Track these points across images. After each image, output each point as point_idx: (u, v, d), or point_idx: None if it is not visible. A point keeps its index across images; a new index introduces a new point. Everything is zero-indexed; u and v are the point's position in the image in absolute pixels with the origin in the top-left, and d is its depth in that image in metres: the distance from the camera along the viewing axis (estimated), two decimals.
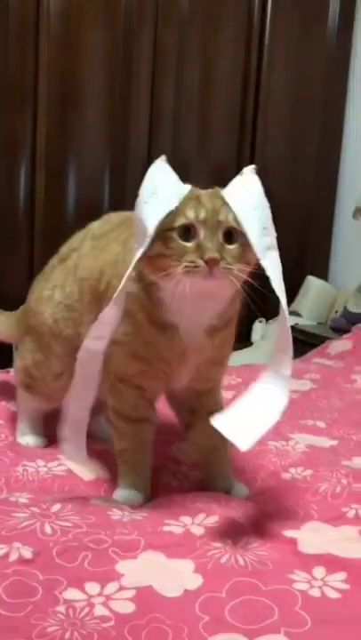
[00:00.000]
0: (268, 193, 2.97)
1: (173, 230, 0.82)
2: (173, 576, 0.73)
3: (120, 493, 0.95)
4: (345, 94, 2.80)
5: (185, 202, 0.83)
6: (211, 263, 0.79)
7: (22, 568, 0.72)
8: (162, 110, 2.55)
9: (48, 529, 0.81)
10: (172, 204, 0.82)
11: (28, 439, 1.17)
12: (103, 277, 0.97)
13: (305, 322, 2.71)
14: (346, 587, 0.73)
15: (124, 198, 2.49)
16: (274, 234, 0.85)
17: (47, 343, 1.09)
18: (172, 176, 0.85)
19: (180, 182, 0.85)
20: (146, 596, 0.69)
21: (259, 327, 2.76)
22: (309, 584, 0.73)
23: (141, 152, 2.54)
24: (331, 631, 0.65)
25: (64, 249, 1.14)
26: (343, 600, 0.70)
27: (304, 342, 2.36)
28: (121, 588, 0.70)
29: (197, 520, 0.85)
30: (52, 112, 2.36)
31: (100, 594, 0.69)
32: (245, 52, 2.60)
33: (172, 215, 0.82)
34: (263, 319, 2.79)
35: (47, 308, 1.09)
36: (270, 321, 2.76)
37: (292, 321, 2.65)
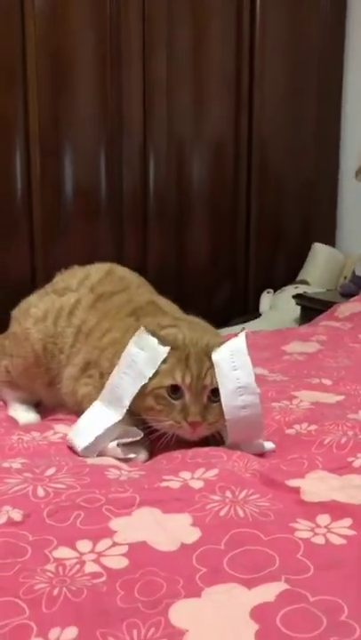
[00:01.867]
0: (268, 162, 2.90)
1: (163, 388, 0.91)
2: (169, 531, 0.69)
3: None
4: (342, 52, 2.72)
5: (174, 363, 0.92)
6: (194, 425, 0.90)
7: (11, 530, 0.69)
8: (155, 81, 2.50)
9: (41, 492, 0.78)
10: (146, 378, 0.91)
11: (20, 415, 1.15)
12: (101, 357, 1.04)
13: (313, 290, 2.66)
14: (352, 532, 0.69)
15: (121, 174, 2.45)
16: (256, 391, 0.91)
17: (30, 365, 1.13)
18: (149, 346, 0.92)
19: (159, 347, 0.92)
20: (140, 551, 0.65)
21: (267, 298, 2.72)
22: (313, 532, 0.69)
23: (136, 125, 2.49)
24: (335, 577, 0.61)
25: (59, 283, 1.19)
26: (349, 546, 0.67)
27: (313, 309, 2.31)
28: (114, 545, 0.67)
29: (197, 474, 0.82)
30: (42, 89, 2.31)
31: (91, 551, 0.66)
32: (237, 14, 2.53)
33: (161, 374, 0.92)
34: (271, 290, 2.74)
35: (34, 329, 1.13)
36: (278, 291, 2.72)
37: (300, 290, 2.60)
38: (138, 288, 1.18)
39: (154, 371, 0.91)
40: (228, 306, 2.74)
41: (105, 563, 0.64)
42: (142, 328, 0.92)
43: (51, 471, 0.84)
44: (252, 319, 2.60)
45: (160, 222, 2.60)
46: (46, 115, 2.32)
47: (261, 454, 0.90)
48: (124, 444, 0.93)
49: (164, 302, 1.14)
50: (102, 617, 0.56)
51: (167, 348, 0.92)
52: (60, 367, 1.11)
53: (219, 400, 0.91)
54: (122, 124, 2.46)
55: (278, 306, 2.63)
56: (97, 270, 1.19)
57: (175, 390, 0.91)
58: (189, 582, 0.61)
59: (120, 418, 0.92)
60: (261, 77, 2.64)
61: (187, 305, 1.16)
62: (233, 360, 0.92)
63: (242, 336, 0.94)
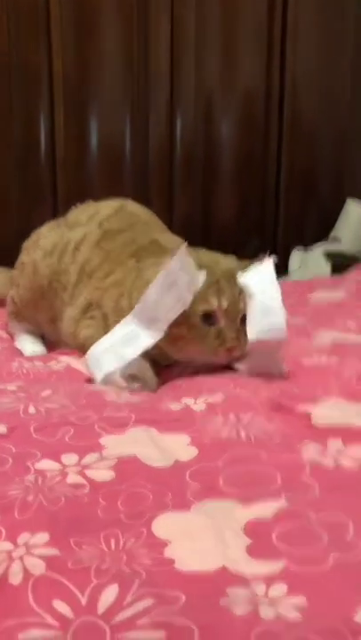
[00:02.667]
0: (301, 114, 2.75)
1: (196, 315, 0.85)
2: (164, 448, 0.63)
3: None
4: None
5: (206, 288, 0.85)
6: (231, 350, 0.85)
7: None
8: (182, 30, 2.38)
9: (32, 409, 0.73)
10: (187, 304, 0.84)
11: (26, 346, 1.10)
12: (104, 298, 0.98)
13: (345, 247, 2.55)
14: None
15: (147, 132, 2.37)
16: (283, 313, 0.85)
17: (36, 298, 1.10)
18: (190, 267, 0.85)
19: (197, 271, 0.86)
20: (128, 465, 0.60)
21: (297, 255, 2.62)
22: (322, 455, 0.62)
23: (163, 77, 2.39)
24: (343, 498, 0.55)
25: (71, 217, 1.15)
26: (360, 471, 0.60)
27: (345, 267, 2.21)
28: (101, 459, 0.61)
29: (200, 399, 0.76)
30: (66, 38, 2.23)
31: (76, 464, 0.60)
32: None
33: (195, 300, 0.84)
34: (301, 247, 2.65)
35: (42, 263, 1.09)
36: (308, 249, 2.62)
37: (332, 247, 2.50)
38: (145, 225, 1.12)
39: (193, 296, 0.84)
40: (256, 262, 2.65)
41: (89, 475, 0.58)
42: (184, 246, 0.85)
43: (46, 392, 0.79)
44: (280, 277, 2.51)
45: (187, 176, 2.52)
46: (70, 65, 2.24)
47: (271, 380, 0.83)
48: (130, 375, 0.87)
49: (171, 240, 1.07)
50: (78, 525, 0.51)
51: (204, 272, 0.86)
52: (63, 305, 1.06)
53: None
54: (148, 76, 2.36)
55: (308, 264, 2.53)
56: (108, 206, 1.15)
57: (208, 317, 0.85)
58: (179, 496, 0.55)
59: (155, 341, 0.84)
60: (295, 25, 2.50)
61: None
62: (260, 282, 0.86)
63: (269, 260, 0.90)
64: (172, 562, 0.46)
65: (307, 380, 0.83)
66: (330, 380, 0.83)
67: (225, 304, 0.85)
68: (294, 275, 2.56)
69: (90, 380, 0.86)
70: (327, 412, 0.71)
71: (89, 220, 1.12)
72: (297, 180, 2.67)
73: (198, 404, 0.74)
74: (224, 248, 1.00)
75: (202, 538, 0.49)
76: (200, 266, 0.86)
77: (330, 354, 0.94)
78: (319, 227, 2.70)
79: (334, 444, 0.64)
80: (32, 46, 2.19)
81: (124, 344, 0.84)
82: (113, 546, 0.49)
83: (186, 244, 0.85)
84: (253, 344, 0.83)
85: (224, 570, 0.45)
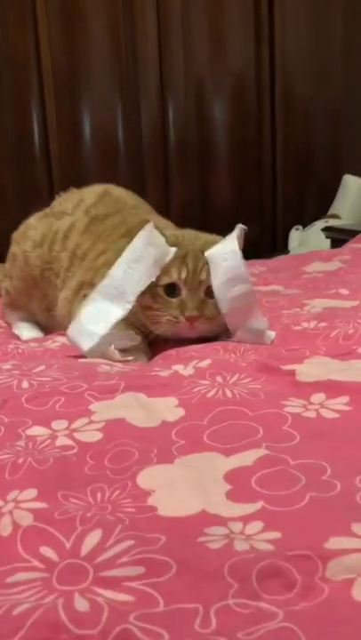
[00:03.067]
0: (293, 92, 2.73)
1: (160, 287, 0.89)
2: (151, 410, 0.65)
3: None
4: None
5: (172, 261, 0.89)
6: (190, 319, 0.87)
7: None
8: (169, 14, 2.38)
9: (25, 384, 0.75)
10: (153, 276, 0.88)
11: (23, 332, 1.13)
12: (96, 277, 0.99)
13: (344, 223, 2.55)
14: (347, 408, 0.63)
15: (139, 113, 2.37)
16: (248, 280, 0.89)
17: (29, 288, 1.13)
18: (158, 243, 0.89)
19: (167, 246, 0.89)
20: (116, 426, 0.62)
21: (296, 235, 2.62)
22: (305, 408, 0.64)
23: (152, 62, 2.39)
24: (322, 445, 0.56)
25: (57, 206, 1.19)
26: (342, 419, 0.61)
27: (344, 242, 2.22)
28: (90, 422, 0.63)
29: (189, 365, 0.77)
30: (53, 27, 2.23)
31: (66, 428, 0.62)
32: None
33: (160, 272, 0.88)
34: (300, 226, 2.65)
35: (33, 253, 1.11)
36: (307, 227, 2.62)
37: (330, 224, 2.50)
38: (132, 208, 1.15)
39: (160, 269, 0.88)
40: (256, 244, 2.65)
41: (77, 437, 0.60)
42: (151, 223, 0.89)
43: (40, 368, 0.81)
44: (280, 255, 2.52)
45: (181, 162, 2.52)
46: (58, 54, 2.25)
47: (261, 346, 0.85)
48: (123, 350, 0.89)
49: (162, 222, 1.09)
50: (66, 481, 0.53)
51: (174, 248, 0.89)
52: (56, 291, 1.09)
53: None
54: (137, 62, 2.37)
55: (308, 241, 2.53)
56: (91, 193, 1.17)
57: (172, 289, 0.89)
58: (164, 452, 0.57)
59: (124, 313, 0.87)
60: (282, 4, 2.49)
61: None
62: (224, 253, 0.89)
63: (235, 231, 0.91)
64: (154, 509, 0.48)
65: (295, 344, 0.84)
66: (317, 342, 0.84)
67: (184, 274, 0.88)
68: (294, 253, 2.57)
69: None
70: (312, 369, 0.73)
71: (75, 207, 1.14)
72: (293, 160, 2.67)
73: (188, 370, 0.76)
74: (223, 231, 1.02)
75: (184, 487, 0.51)
76: (175, 243, 0.90)
77: (320, 320, 0.95)
78: (318, 205, 2.70)
79: (317, 397, 0.66)
80: (19, 36, 2.20)
81: (95, 321, 0.87)
82: (99, 498, 0.50)
83: (152, 222, 0.89)
84: (228, 315, 0.86)
85: (203, 513, 0.47)
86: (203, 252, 0.90)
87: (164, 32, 2.36)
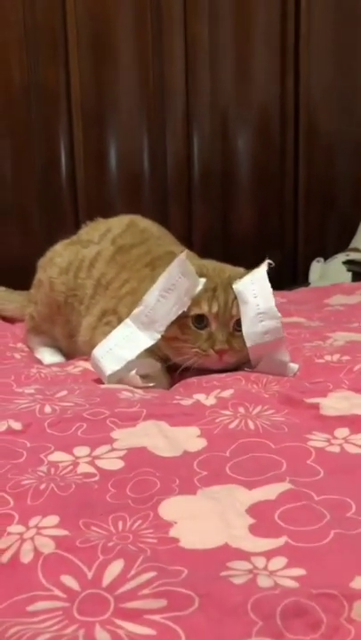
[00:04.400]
0: (317, 125, 2.74)
1: (188, 318, 0.88)
2: (173, 440, 0.65)
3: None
4: None
5: (202, 293, 0.89)
6: (221, 352, 0.87)
7: (10, 437, 0.67)
8: (196, 46, 2.43)
9: (48, 409, 0.75)
10: (184, 306, 0.87)
11: (45, 356, 1.13)
12: (119, 305, 1.01)
13: None
14: None
15: (165, 142, 2.41)
16: (277, 316, 0.88)
17: (53, 313, 1.14)
18: (190, 273, 0.88)
19: (197, 277, 0.89)
20: (138, 455, 0.62)
21: (317, 267, 2.62)
22: (328, 442, 0.63)
23: (179, 92, 2.43)
24: (346, 480, 0.55)
25: (83, 235, 1.20)
26: None
27: None
28: (112, 450, 0.63)
29: (211, 395, 0.77)
30: (83, 59, 2.28)
31: (88, 455, 0.62)
32: None
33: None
34: (321, 258, 2.65)
35: (58, 280, 1.12)
36: (328, 260, 2.62)
37: (352, 257, 2.50)
38: (158, 239, 1.16)
39: (190, 300, 0.88)
40: (277, 275, 2.64)
41: (99, 464, 0.60)
42: (185, 252, 0.89)
43: (62, 393, 0.81)
44: (301, 287, 2.51)
45: (205, 192, 2.55)
46: (88, 85, 2.30)
47: (283, 377, 0.85)
48: (143, 375, 0.89)
49: (188, 254, 1.10)
50: (88, 509, 0.53)
51: (203, 279, 0.89)
52: (80, 318, 1.09)
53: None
54: (164, 92, 2.41)
55: (328, 274, 2.53)
56: (119, 223, 1.19)
57: (200, 320, 0.88)
58: (186, 482, 0.56)
59: (153, 342, 0.88)
60: (308, 36, 2.53)
61: None
62: (253, 288, 0.89)
63: (263, 265, 0.92)
64: (176, 540, 0.48)
65: (318, 376, 0.84)
66: (340, 376, 0.83)
67: (215, 308, 0.87)
68: (315, 285, 2.56)
69: None
70: (335, 403, 0.72)
71: (101, 237, 1.16)
72: (315, 192, 2.68)
73: (210, 399, 0.76)
74: (244, 262, 1.02)
75: (206, 519, 0.50)
76: (202, 274, 0.90)
77: (343, 353, 0.95)
78: (339, 238, 2.70)
79: (341, 432, 0.65)
80: (50, 68, 2.25)
81: (123, 346, 0.87)
82: (120, 527, 0.50)
83: (186, 251, 0.89)
84: (253, 348, 0.86)
85: (226, 546, 0.47)
86: (230, 285, 0.90)
87: (191, 64, 2.41)
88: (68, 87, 2.28)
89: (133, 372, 0.88)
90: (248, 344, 0.87)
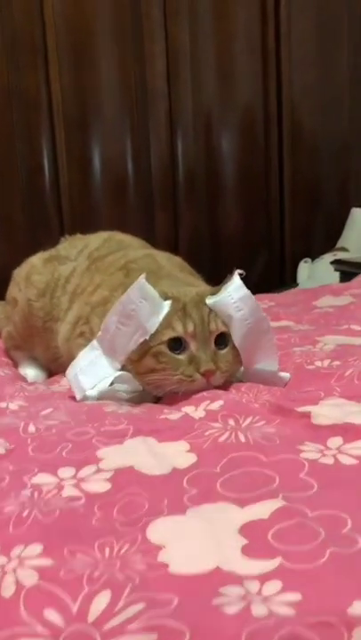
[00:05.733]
0: (300, 124, 2.73)
1: (162, 344, 0.80)
2: (162, 457, 0.63)
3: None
4: None
5: (170, 315, 0.80)
6: (208, 375, 0.79)
7: None
8: (177, 48, 2.42)
9: (32, 428, 0.73)
10: (148, 333, 0.79)
11: (28, 371, 1.11)
12: (91, 315, 0.97)
13: (353, 256, 2.54)
14: None
15: (148, 146, 2.39)
16: (269, 326, 0.83)
17: (33, 335, 1.11)
18: (151, 296, 0.80)
19: (161, 300, 0.81)
20: (125, 476, 0.59)
21: (305, 267, 2.61)
22: (321, 453, 0.61)
23: (161, 95, 2.41)
24: (341, 494, 0.53)
25: (62, 251, 1.16)
26: None
27: (353, 275, 2.20)
28: (98, 471, 0.61)
29: (200, 407, 0.75)
30: (63, 64, 2.27)
31: (73, 477, 0.60)
32: None
33: (159, 329, 0.80)
34: (309, 259, 2.64)
35: (37, 304, 1.09)
36: (316, 260, 2.61)
37: (339, 257, 2.49)
38: (137, 248, 1.13)
39: (157, 325, 0.79)
40: (265, 277, 2.65)
41: (85, 487, 0.58)
42: (144, 275, 0.80)
43: (47, 411, 0.79)
44: (289, 289, 2.50)
45: (190, 194, 2.53)
46: (69, 90, 2.28)
47: (275, 385, 0.83)
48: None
49: (165, 257, 1.07)
50: (73, 535, 0.50)
51: (168, 302, 0.81)
52: (55, 336, 1.07)
53: (226, 346, 0.82)
54: (146, 95, 2.39)
55: (316, 275, 2.52)
56: (97, 238, 1.16)
57: (176, 344, 0.80)
58: (175, 502, 0.54)
59: (115, 373, 0.83)
60: (289, 36, 2.52)
61: (221, 278, 1.06)
62: (235, 303, 0.81)
63: (235, 276, 0.83)
64: (165, 566, 0.46)
65: (308, 384, 0.82)
66: (331, 383, 0.82)
67: (191, 327, 0.79)
68: (304, 286, 2.55)
69: None
70: (327, 411, 0.70)
71: (78, 254, 1.13)
72: (301, 192, 2.67)
73: (198, 412, 0.74)
74: (231, 263, 0.96)
75: (196, 540, 0.48)
76: (166, 297, 0.81)
77: (333, 358, 0.93)
78: (326, 238, 2.70)
79: (334, 441, 0.63)
80: (30, 74, 2.23)
81: (87, 372, 0.84)
82: (107, 553, 0.48)
83: (145, 274, 0.80)
84: (243, 347, 0.83)
85: (218, 570, 0.45)
86: (202, 302, 0.82)
87: (172, 67, 2.40)
88: (49, 93, 2.26)
89: (118, 386, 0.85)
90: (244, 362, 0.83)
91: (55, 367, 1.09)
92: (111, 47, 2.33)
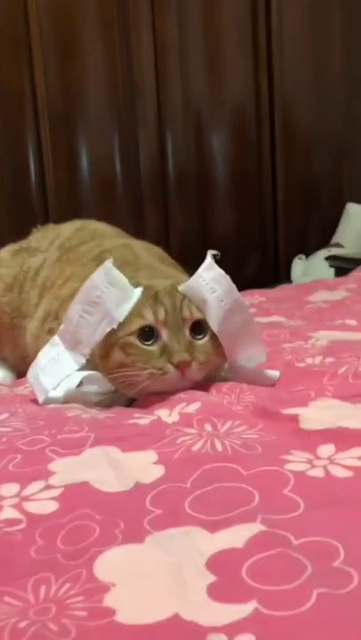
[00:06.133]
0: (293, 121, 2.62)
1: (131, 335, 0.71)
2: (124, 470, 0.53)
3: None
4: None
5: (141, 302, 0.72)
6: (182, 366, 0.69)
7: None
8: (166, 44, 2.33)
9: None
10: (115, 321, 0.71)
11: None
12: (61, 310, 0.88)
13: (348, 252, 2.46)
14: None
15: (137, 144, 2.30)
16: (246, 305, 0.76)
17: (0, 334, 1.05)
18: (119, 282, 0.72)
19: (130, 286, 0.73)
20: (76, 493, 0.50)
21: (299, 264, 2.53)
22: (310, 464, 0.52)
23: (149, 93, 2.33)
24: (332, 515, 0.44)
25: (32, 242, 1.09)
26: (357, 479, 0.49)
27: (348, 270, 2.11)
28: (47, 488, 0.51)
29: (175, 410, 0.66)
30: (48, 58, 2.18)
31: (16, 495, 0.50)
32: None
33: (127, 318, 0.71)
34: (303, 256, 2.55)
35: (4, 299, 1.03)
36: (310, 256, 2.52)
37: (334, 253, 2.40)
38: (112, 237, 1.05)
39: (126, 313, 0.71)
40: (259, 275, 2.56)
41: (28, 508, 0.48)
42: (111, 259, 0.73)
43: (3, 416, 0.70)
44: (283, 285, 2.41)
45: (181, 193, 2.45)
46: (54, 85, 2.19)
47: (261, 385, 0.73)
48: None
49: (143, 246, 0.98)
50: (4, 570, 0.41)
51: (139, 288, 0.73)
52: (24, 333, 1.00)
53: (203, 335, 0.73)
54: (134, 92, 2.30)
55: (311, 271, 2.44)
56: (69, 227, 1.09)
57: (147, 333, 0.71)
58: (133, 526, 0.45)
59: (78, 367, 0.74)
60: (280, 32, 2.44)
61: None
62: (208, 284, 0.72)
63: (207, 258, 0.75)
64: (112, 613, 0.36)
65: (298, 383, 0.73)
66: (323, 382, 0.72)
67: (162, 314, 0.71)
68: (297, 282, 2.46)
69: None
70: (318, 414, 0.61)
71: (50, 244, 1.06)
72: (294, 189, 2.59)
73: (172, 416, 0.65)
74: (225, 264, 0.88)
75: (153, 578, 0.39)
76: (138, 284, 0.74)
77: (326, 355, 0.84)
78: (321, 235, 2.61)
79: (325, 450, 0.54)
80: (13, 69, 2.14)
81: (48, 371, 0.75)
82: (42, 594, 0.39)
83: (112, 259, 0.72)
84: (229, 350, 0.74)
85: (176, 619, 0.35)
86: (175, 289, 0.74)
87: (161, 63, 2.31)
88: (33, 88, 2.17)
89: (87, 387, 0.76)
90: (224, 345, 0.73)
91: (24, 367, 0.99)
92: (98, 42, 2.24)
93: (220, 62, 2.42)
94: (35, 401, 0.77)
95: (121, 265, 0.76)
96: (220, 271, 0.73)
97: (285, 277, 2.55)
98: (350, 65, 2.54)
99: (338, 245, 2.51)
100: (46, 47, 2.16)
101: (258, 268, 2.57)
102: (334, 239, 2.56)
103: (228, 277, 0.73)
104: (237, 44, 2.42)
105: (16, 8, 2.11)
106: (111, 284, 0.71)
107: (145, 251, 0.96)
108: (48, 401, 0.75)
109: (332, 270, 2.25)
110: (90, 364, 0.75)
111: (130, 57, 2.27)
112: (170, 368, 0.69)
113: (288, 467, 0.51)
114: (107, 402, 0.75)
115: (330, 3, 2.46)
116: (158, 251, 1.01)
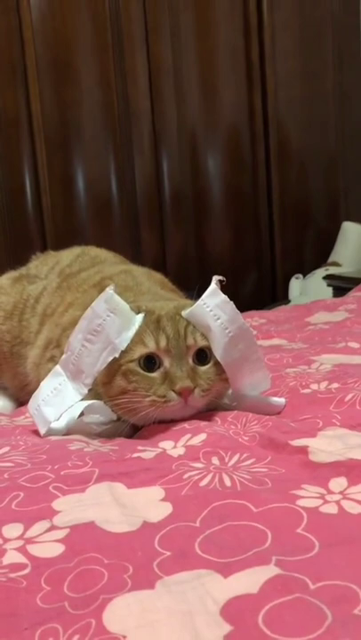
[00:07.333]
0: (287, 140, 2.64)
1: (133, 362, 0.70)
2: (130, 508, 0.52)
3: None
4: (358, 17, 2.53)
5: (142, 330, 0.71)
6: (184, 393, 0.69)
7: None
8: (160, 66, 2.34)
9: None
10: (117, 350, 0.70)
11: None
12: (62, 337, 0.87)
13: (345, 270, 2.46)
14: None
15: (133, 165, 2.31)
16: (250, 331, 0.74)
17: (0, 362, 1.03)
18: (121, 309, 0.71)
19: (132, 312, 0.72)
20: (83, 535, 0.48)
21: (296, 284, 2.53)
22: (322, 499, 0.51)
23: (144, 114, 2.34)
24: (349, 555, 0.43)
25: (32, 269, 1.09)
26: None
27: (346, 290, 2.11)
28: (51, 528, 0.50)
29: (180, 443, 0.64)
30: (43, 82, 2.19)
31: (19, 537, 0.49)
32: None
33: (129, 345, 0.71)
34: (300, 275, 2.55)
35: (4, 327, 1.01)
36: (308, 276, 2.52)
37: (331, 272, 2.40)
38: (113, 264, 1.04)
39: (128, 341, 0.70)
40: (256, 295, 2.56)
41: (32, 551, 0.47)
42: (112, 286, 0.72)
43: (4, 450, 0.68)
44: (281, 305, 2.41)
45: (177, 213, 2.45)
46: (49, 110, 2.20)
47: (268, 414, 0.72)
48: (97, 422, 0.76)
49: (143, 272, 0.98)
50: (9, 621, 0.39)
51: (141, 315, 0.72)
52: (24, 363, 0.98)
53: (207, 362, 0.72)
54: (129, 114, 2.32)
55: (309, 291, 2.44)
56: (69, 254, 1.08)
57: (149, 361, 0.71)
58: (142, 570, 0.43)
59: (80, 398, 0.73)
60: (272, 52, 2.46)
61: None
62: (212, 311, 0.72)
63: (212, 283, 0.74)
64: None
65: (304, 411, 0.72)
66: (330, 409, 0.71)
67: (163, 341, 0.70)
68: (296, 303, 2.46)
69: None
70: (327, 444, 0.60)
71: (49, 271, 1.05)
72: (290, 208, 2.60)
73: (178, 449, 0.63)
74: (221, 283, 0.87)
75: (166, 628, 0.37)
76: (139, 310, 0.73)
77: (331, 380, 0.83)
78: (317, 253, 2.62)
79: (337, 483, 0.53)
80: (8, 93, 2.15)
81: (50, 402, 0.73)
82: None
83: (113, 285, 0.71)
84: (233, 379, 0.74)
85: None
86: (179, 314, 0.74)
87: (155, 84, 2.32)
88: (29, 111, 2.17)
89: (88, 417, 0.75)
90: (228, 374, 0.73)
91: (24, 396, 0.99)
92: (93, 64, 2.25)
93: (213, 83, 2.43)
94: (35, 432, 0.76)
95: (122, 291, 0.75)
96: (225, 297, 0.72)
97: (283, 296, 2.54)
98: (343, 82, 2.56)
99: (335, 264, 2.51)
100: (42, 72, 2.17)
101: (255, 287, 2.57)
102: (331, 257, 2.56)
103: (232, 304, 0.72)
104: (231, 65, 2.44)
105: (12, 34, 2.13)
106: (112, 311, 0.70)
107: (146, 277, 0.95)
108: (50, 432, 0.73)
109: (330, 289, 2.24)
110: (91, 392, 0.74)
111: (124, 79, 2.28)
112: (172, 395, 0.69)
113: (300, 503, 0.50)
114: (109, 431, 0.74)
115: (321, 21, 2.49)
116: (159, 277, 1.01)
